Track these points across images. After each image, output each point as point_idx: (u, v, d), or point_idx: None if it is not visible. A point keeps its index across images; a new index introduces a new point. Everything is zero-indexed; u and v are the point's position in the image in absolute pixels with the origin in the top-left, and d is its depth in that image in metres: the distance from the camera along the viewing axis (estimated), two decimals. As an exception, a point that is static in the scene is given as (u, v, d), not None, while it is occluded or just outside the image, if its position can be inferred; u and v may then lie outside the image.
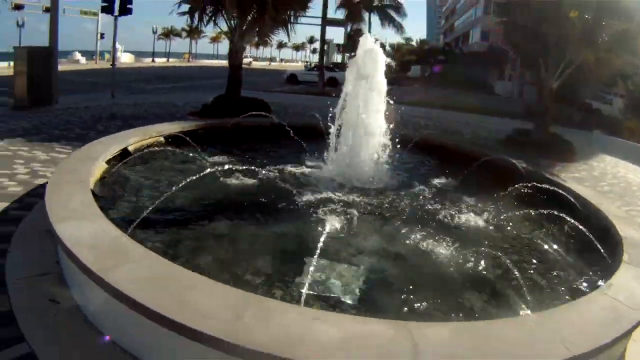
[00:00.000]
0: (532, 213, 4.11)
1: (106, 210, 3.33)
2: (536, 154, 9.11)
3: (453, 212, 4.16)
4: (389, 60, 5.58)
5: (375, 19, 29.68)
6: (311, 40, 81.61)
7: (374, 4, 29.22)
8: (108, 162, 4.76)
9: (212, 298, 2.04)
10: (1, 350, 2.20)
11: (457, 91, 29.22)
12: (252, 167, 4.39)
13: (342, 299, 2.60)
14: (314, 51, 74.20)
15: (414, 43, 61.43)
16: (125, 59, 53.36)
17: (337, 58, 49.23)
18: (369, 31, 36.69)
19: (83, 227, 2.70)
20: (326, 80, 27.29)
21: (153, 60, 52.40)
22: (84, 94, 14.84)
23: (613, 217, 3.92)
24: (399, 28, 30.01)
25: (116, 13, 13.15)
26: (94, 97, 13.53)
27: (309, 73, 30.99)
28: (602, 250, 3.32)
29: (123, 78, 22.94)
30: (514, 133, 10.51)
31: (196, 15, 10.90)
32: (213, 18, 11.05)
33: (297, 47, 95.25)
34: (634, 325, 2.26)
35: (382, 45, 5.34)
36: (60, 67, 34.19)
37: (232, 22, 10.64)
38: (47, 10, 28.04)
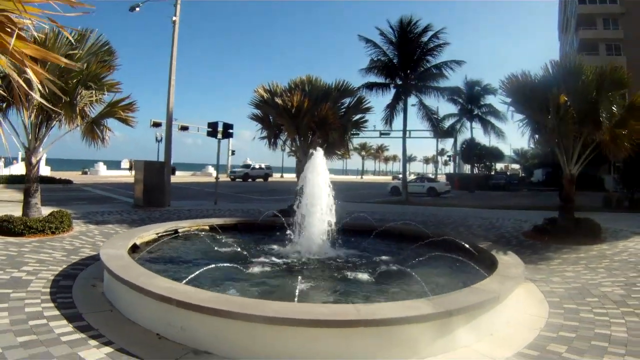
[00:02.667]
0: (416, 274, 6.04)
1: (135, 251, 6.57)
2: (554, 239, 10.18)
3: (351, 271, 6.35)
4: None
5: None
6: (442, 152, 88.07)
7: (474, 113, 32.24)
8: (159, 234, 8.21)
9: (138, 273, 4.95)
10: (59, 298, 5.31)
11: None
12: (236, 242, 7.30)
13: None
14: (445, 163, 79.19)
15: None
16: (256, 174, 63.14)
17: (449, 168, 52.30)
18: (472, 136, 39.55)
19: (111, 251, 5.91)
20: (426, 190, 29.96)
21: (282, 176, 60.01)
22: (197, 200, 20.09)
23: (502, 276, 5.51)
24: (499, 134, 32.16)
25: (219, 137, 18.39)
26: (201, 203, 18.40)
27: (410, 184, 33.81)
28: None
29: (238, 190, 28.92)
30: (543, 222, 11.42)
31: (272, 139, 14.99)
32: (284, 141, 15.03)
33: (428, 160, 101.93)
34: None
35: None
36: (193, 179, 42.83)
37: (297, 143, 14.43)
38: (182, 128, 37.26)
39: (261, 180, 48.56)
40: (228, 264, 5.94)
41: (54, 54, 3.18)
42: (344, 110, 14.65)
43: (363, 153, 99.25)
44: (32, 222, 9.01)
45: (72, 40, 9.44)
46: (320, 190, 7.82)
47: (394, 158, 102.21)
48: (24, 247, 7.94)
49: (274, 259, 7.01)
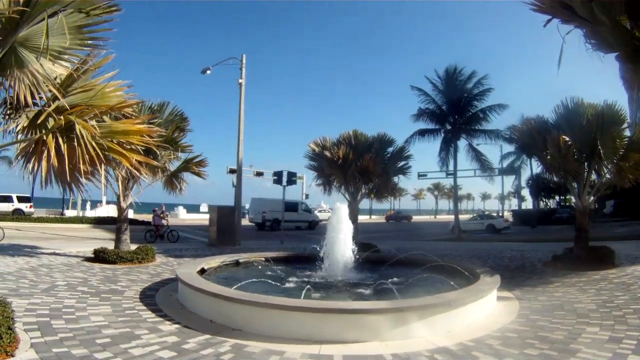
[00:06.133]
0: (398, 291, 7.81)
1: (201, 271, 9.06)
2: (567, 267, 10.99)
3: (359, 287, 8.22)
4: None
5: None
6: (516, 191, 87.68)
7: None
8: (223, 262, 10.66)
9: (200, 282, 7.31)
10: (146, 300, 7.81)
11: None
12: (281, 269, 9.62)
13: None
14: (523, 199, 78.40)
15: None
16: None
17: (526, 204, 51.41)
18: (532, 172, 39.39)
19: (184, 271, 8.37)
20: (485, 227, 30.77)
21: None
22: (266, 240, 22.72)
23: (467, 290, 7.05)
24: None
25: (284, 184, 21.09)
26: (269, 242, 20.93)
27: (470, 222, 34.37)
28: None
29: (307, 231, 31.31)
30: (562, 252, 12.14)
31: (326, 185, 17.31)
32: (338, 187, 17.25)
33: (503, 197, 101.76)
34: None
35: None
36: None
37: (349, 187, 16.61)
38: (257, 174, 40.57)
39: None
40: (268, 280, 8.14)
41: (151, 160, 5.83)
42: (387, 158, 16.75)
43: (436, 193, 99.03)
44: (123, 254, 11.91)
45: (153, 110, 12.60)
46: (342, 231, 9.97)
47: (468, 196, 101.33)
48: (117, 271, 10.76)
49: (304, 279, 9.06)
